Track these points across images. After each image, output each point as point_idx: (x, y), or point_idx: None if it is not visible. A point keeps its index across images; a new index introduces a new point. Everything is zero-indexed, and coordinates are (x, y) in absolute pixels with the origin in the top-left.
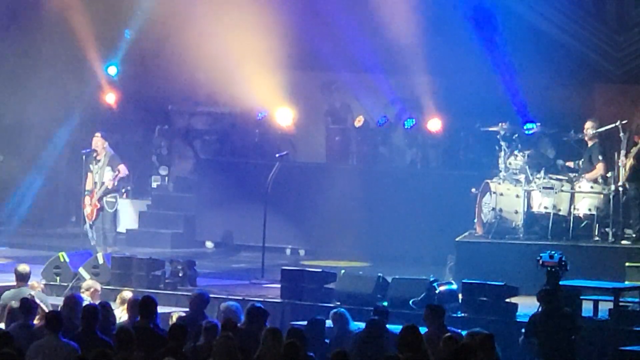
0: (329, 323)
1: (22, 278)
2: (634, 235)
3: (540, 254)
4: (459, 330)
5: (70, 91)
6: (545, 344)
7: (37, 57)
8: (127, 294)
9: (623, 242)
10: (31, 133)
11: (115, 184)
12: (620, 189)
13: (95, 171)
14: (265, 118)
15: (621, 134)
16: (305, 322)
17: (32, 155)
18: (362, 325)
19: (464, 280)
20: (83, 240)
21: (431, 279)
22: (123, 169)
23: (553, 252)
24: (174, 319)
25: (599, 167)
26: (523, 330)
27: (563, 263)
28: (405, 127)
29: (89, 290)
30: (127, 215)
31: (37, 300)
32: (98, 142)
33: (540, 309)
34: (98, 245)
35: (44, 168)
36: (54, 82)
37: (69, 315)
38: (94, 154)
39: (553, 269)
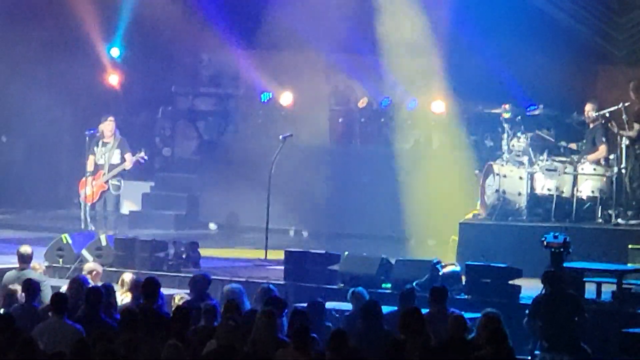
0: (333, 305)
1: (24, 259)
2: (629, 217)
3: (545, 235)
4: (461, 313)
5: (73, 73)
6: (549, 325)
7: (39, 40)
8: (128, 276)
9: (622, 221)
10: (34, 116)
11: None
12: (623, 170)
13: (101, 153)
14: (269, 99)
15: (623, 116)
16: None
17: (35, 138)
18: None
19: (467, 262)
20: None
21: (434, 261)
22: (129, 159)
23: (557, 233)
24: (177, 301)
25: (602, 149)
26: (527, 312)
27: (568, 243)
28: (409, 108)
29: (91, 272)
30: (131, 196)
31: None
32: (110, 125)
33: (544, 291)
34: (98, 228)
35: (47, 150)
36: (57, 64)
37: (74, 298)
38: (99, 136)
39: (557, 250)
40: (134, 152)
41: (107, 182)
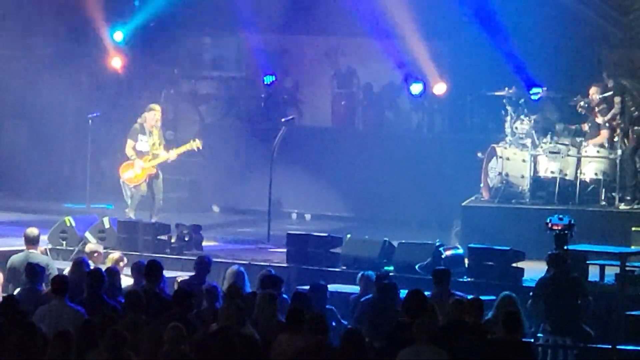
0: (336, 287)
1: (31, 241)
2: (630, 199)
3: (549, 217)
4: (465, 295)
5: (76, 57)
6: (552, 308)
7: (42, 25)
8: (116, 254)
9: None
10: (37, 99)
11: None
12: (627, 152)
13: (146, 141)
14: (272, 82)
15: (627, 99)
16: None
17: (38, 121)
18: None
19: (470, 245)
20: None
21: (437, 244)
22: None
23: (562, 215)
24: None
25: (604, 133)
26: (531, 294)
27: (572, 225)
28: (411, 91)
29: (92, 254)
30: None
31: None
32: (153, 114)
33: (548, 273)
34: (132, 209)
35: (50, 133)
36: (60, 49)
37: (77, 280)
38: (142, 124)
39: (561, 232)
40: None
41: (155, 166)
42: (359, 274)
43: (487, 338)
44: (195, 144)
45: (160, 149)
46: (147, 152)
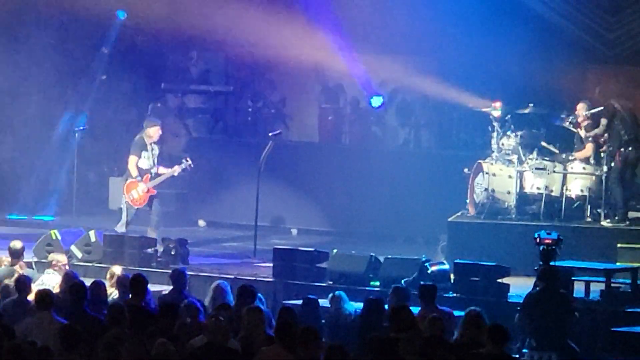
0: (323, 302)
1: (15, 254)
2: (616, 218)
3: (537, 232)
4: (451, 310)
5: (63, 70)
6: (539, 323)
7: (28, 39)
8: (117, 269)
9: (607, 222)
10: (22, 111)
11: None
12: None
13: (147, 158)
14: (259, 97)
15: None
16: (296, 302)
17: (23, 133)
18: (358, 305)
19: (456, 261)
20: (74, 218)
21: (423, 259)
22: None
23: (549, 230)
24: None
25: (588, 147)
26: (518, 309)
27: (560, 241)
28: (398, 107)
29: (57, 264)
30: (120, 193)
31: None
32: (157, 130)
33: (536, 288)
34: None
35: (35, 146)
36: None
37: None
38: (143, 138)
39: (549, 247)
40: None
41: (155, 187)
42: (330, 296)
43: (472, 352)
44: (188, 163)
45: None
46: (148, 170)
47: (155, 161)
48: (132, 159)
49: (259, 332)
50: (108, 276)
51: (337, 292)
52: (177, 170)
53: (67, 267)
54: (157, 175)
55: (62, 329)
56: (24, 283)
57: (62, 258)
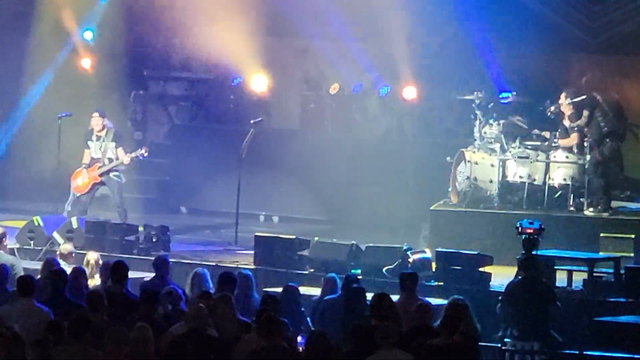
0: (300, 290)
1: None
2: (599, 207)
3: (519, 222)
4: (429, 300)
5: (46, 56)
6: (521, 312)
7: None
8: (93, 255)
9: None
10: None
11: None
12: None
13: (96, 147)
14: (240, 84)
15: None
16: (277, 289)
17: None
18: None
19: (437, 249)
20: (57, 205)
21: (405, 248)
22: (123, 156)
23: (532, 219)
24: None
25: (573, 137)
26: (499, 298)
27: (542, 230)
28: (381, 94)
29: (69, 255)
30: None
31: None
32: (98, 121)
33: (517, 277)
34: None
35: (19, 132)
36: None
37: (46, 279)
38: (92, 131)
39: (530, 237)
40: (132, 145)
41: (101, 175)
42: (324, 277)
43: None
44: (141, 152)
45: (118, 152)
46: (98, 159)
47: (109, 151)
48: (84, 152)
49: (230, 318)
50: (84, 263)
51: (330, 274)
52: (126, 159)
53: (73, 256)
54: (110, 162)
55: (50, 325)
56: (1, 271)
57: (71, 248)
